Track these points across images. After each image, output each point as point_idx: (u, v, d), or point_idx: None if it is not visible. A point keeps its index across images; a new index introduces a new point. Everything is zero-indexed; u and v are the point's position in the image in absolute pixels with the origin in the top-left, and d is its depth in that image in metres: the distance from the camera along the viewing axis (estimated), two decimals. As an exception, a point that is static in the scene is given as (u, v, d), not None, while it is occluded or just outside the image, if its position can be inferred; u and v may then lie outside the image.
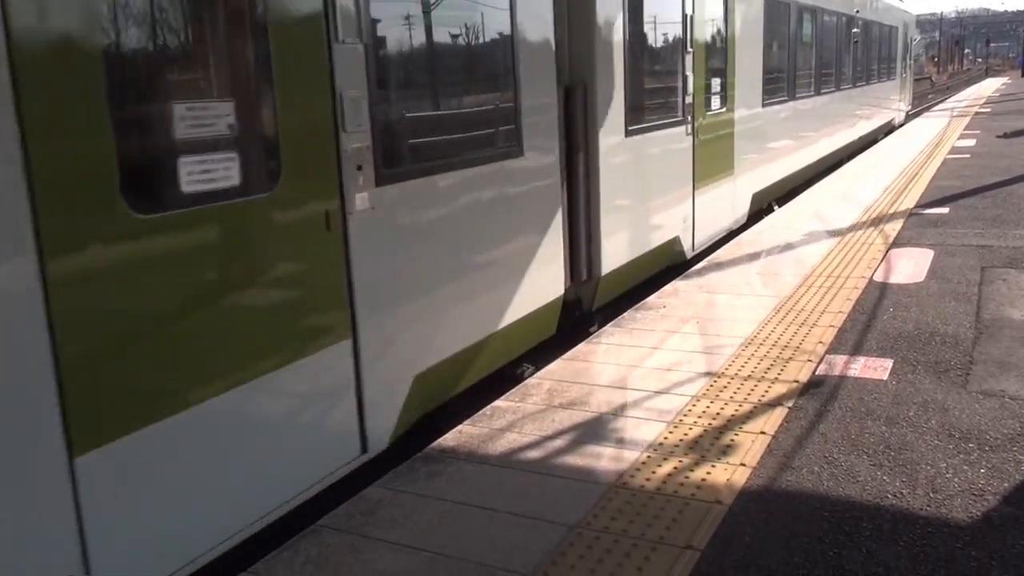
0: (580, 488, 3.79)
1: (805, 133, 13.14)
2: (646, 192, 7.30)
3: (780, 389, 4.79)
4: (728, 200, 9.51)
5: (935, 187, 11.76)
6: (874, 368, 5.05)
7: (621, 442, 4.23)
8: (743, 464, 3.92)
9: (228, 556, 3.50)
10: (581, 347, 5.76)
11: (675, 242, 8.03)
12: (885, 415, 4.39)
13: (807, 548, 3.24)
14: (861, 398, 4.62)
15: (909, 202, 10.66)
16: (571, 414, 4.61)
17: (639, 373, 5.18)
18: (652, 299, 6.87)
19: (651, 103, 7.44)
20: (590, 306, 6.64)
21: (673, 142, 7.79)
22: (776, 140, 11.49)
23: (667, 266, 8.01)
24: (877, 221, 9.57)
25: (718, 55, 8.93)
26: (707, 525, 3.43)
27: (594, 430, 4.40)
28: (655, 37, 7.57)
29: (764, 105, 10.70)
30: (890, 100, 22.16)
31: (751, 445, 4.12)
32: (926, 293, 6.57)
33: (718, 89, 8.91)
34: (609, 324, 6.24)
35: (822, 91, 14.03)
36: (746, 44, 9.77)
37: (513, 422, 4.55)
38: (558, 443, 4.27)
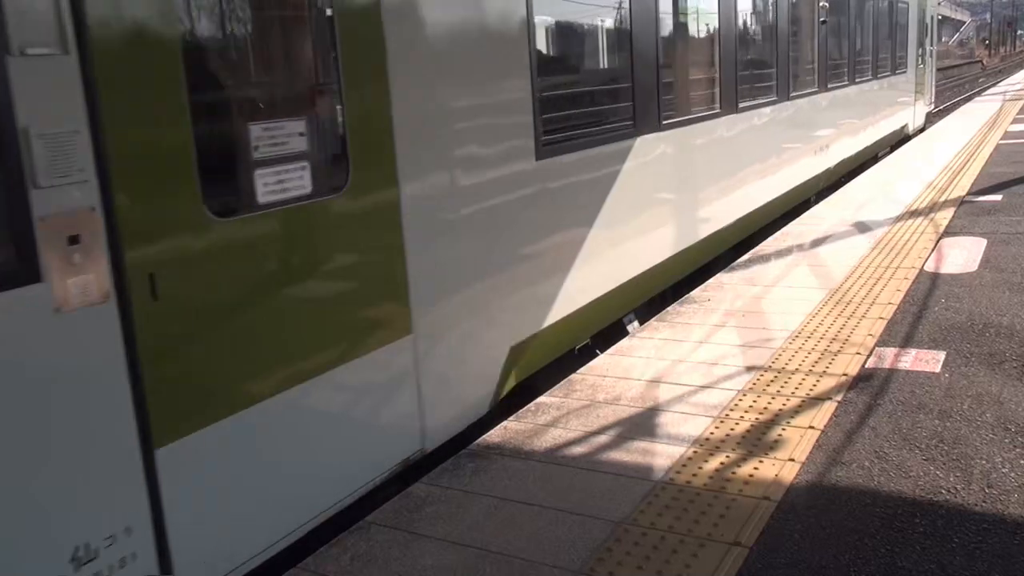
0: (626, 484, 3.78)
1: (692, 185, 7.44)
2: None
3: (829, 383, 4.72)
4: (386, 409, 4.07)
5: (987, 174, 11.47)
6: (926, 360, 4.95)
7: (667, 437, 4.21)
8: (791, 459, 3.88)
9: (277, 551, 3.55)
10: (625, 342, 5.73)
11: None
12: (938, 408, 4.30)
13: (858, 545, 3.19)
14: (913, 391, 4.54)
15: (960, 190, 10.42)
16: (615, 409, 4.59)
17: (684, 367, 5.14)
18: (697, 292, 6.81)
19: None
20: None
21: None
22: (603, 218, 5.94)
23: None
24: (927, 210, 9.37)
25: (299, 48, 3.86)
26: (755, 521, 3.40)
27: (639, 425, 4.38)
28: None
29: (546, 154, 5.19)
30: (897, 102, 16.71)
31: (799, 440, 4.06)
32: (979, 283, 6.42)
33: (289, 142, 3.46)
34: (653, 318, 6.20)
35: (743, 106, 8.39)
36: (459, 33, 4.47)
37: (558, 418, 4.55)
38: (603, 438, 4.26)
